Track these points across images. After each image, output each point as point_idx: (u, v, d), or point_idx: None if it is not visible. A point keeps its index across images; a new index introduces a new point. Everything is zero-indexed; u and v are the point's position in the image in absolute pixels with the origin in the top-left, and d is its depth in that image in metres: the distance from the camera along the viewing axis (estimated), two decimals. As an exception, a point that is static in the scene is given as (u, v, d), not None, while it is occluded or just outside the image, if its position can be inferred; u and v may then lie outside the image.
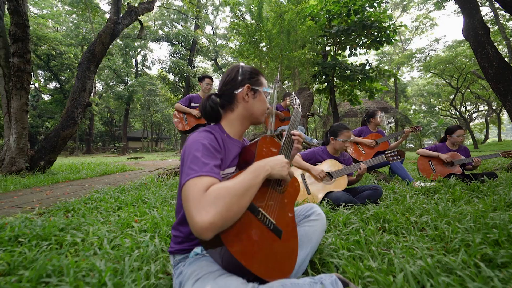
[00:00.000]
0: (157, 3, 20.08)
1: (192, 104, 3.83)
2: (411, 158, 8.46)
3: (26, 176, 4.22)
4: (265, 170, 0.89)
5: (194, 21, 19.57)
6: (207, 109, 1.07)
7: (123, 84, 21.28)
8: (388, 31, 9.38)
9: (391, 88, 23.10)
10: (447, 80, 21.24)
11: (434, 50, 22.39)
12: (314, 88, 11.53)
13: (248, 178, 0.84)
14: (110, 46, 22.33)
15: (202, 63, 25.07)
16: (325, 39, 9.76)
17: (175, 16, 21.72)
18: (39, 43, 15.68)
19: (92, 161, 9.05)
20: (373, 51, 23.70)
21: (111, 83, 22.10)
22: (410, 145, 24.37)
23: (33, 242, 1.51)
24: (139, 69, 23.20)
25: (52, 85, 22.92)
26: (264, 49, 7.72)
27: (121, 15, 6.10)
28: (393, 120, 21.44)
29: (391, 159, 2.33)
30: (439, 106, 30.83)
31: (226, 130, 1.07)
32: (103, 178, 4.44)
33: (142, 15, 6.92)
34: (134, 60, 23.16)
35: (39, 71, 20.91)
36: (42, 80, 23.14)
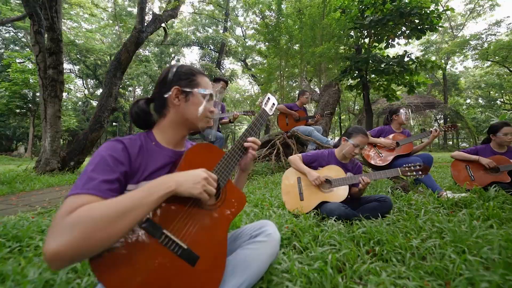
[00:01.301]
0: (189, 9, 20.93)
1: None
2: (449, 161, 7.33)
3: (56, 175, 4.66)
4: (166, 187, 0.75)
5: (223, 24, 20.01)
6: (133, 116, 0.98)
7: (158, 89, 22.65)
8: (430, 17, 8.36)
9: (439, 81, 20.49)
10: (511, 69, 18.15)
11: (494, 34, 19.28)
12: (344, 84, 10.85)
13: (133, 198, 0.70)
14: (148, 53, 24.08)
15: (232, 65, 25.55)
16: (358, 31, 9.07)
17: (207, 21, 22.48)
18: (87, 54, 17.62)
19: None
20: (416, 41, 21.42)
21: (149, 88, 23.91)
22: (463, 145, 21.40)
23: (9, 243, 1.56)
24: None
25: (99, 91, 25.64)
26: (286, 45, 7.43)
27: (145, 24, 6.40)
28: (441, 117, 19.04)
29: (408, 174, 1.91)
30: (502, 99, 26.55)
31: (157, 138, 0.95)
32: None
33: (167, 22, 7.20)
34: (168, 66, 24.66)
35: (89, 80, 23.56)
36: (91, 88, 25.96)
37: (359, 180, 1.90)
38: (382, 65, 8.98)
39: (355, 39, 9.54)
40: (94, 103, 24.90)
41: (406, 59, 8.83)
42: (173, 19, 23.87)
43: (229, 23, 19.42)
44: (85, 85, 24.38)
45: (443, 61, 18.92)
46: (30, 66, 15.38)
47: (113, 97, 5.85)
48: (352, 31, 9.15)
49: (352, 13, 8.38)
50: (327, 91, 7.77)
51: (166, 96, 0.94)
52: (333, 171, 2.03)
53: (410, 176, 1.90)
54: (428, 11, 7.91)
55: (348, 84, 10.84)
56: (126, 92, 24.68)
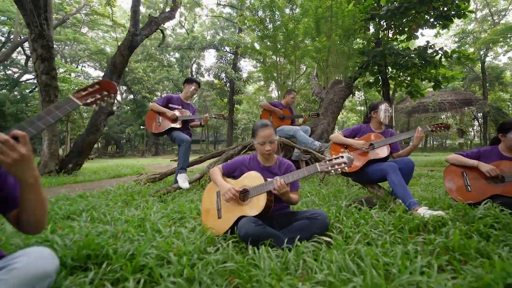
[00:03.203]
0: (207, 12, 21.28)
1: (170, 105, 3.62)
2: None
3: (53, 177, 4.82)
4: None
5: (238, 25, 20.01)
6: None
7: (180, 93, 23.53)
8: (456, 2, 7.38)
9: (478, 75, 18.07)
10: None
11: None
12: (362, 81, 10.05)
13: None
14: (173, 59, 24.92)
15: (251, 66, 25.48)
16: (377, 23, 8.32)
17: (225, 23, 22.66)
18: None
19: (130, 163, 10.00)
20: (450, 32, 19.18)
21: (174, 93, 24.83)
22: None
23: None
24: (194, 77, 25.41)
25: (130, 96, 27.35)
26: (284, 42, 7.00)
27: (140, 27, 6.45)
28: (480, 115, 16.77)
29: (329, 168, 1.46)
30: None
31: None
32: (111, 181, 4.65)
33: (163, 24, 7.22)
34: (189, 70, 25.38)
35: (120, 86, 25.34)
36: (124, 93, 27.80)
37: (272, 186, 1.52)
38: (400, 58, 8.10)
39: (375, 32, 8.76)
40: (126, 107, 26.68)
41: (429, 50, 7.85)
42: (194, 24, 24.45)
43: (244, 25, 19.34)
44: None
45: (482, 52, 16.60)
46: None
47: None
48: (371, 24, 8.41)
49: (366, 3, 7.68)
50: (333, 88, 7.17)
51: None
52: (251, 179, 1.66)
53: (332, 171, 1.44)
54: (454, -6, 6.94)
55: (367, 81, 10.00)
56: (154, 97, 25.90)
